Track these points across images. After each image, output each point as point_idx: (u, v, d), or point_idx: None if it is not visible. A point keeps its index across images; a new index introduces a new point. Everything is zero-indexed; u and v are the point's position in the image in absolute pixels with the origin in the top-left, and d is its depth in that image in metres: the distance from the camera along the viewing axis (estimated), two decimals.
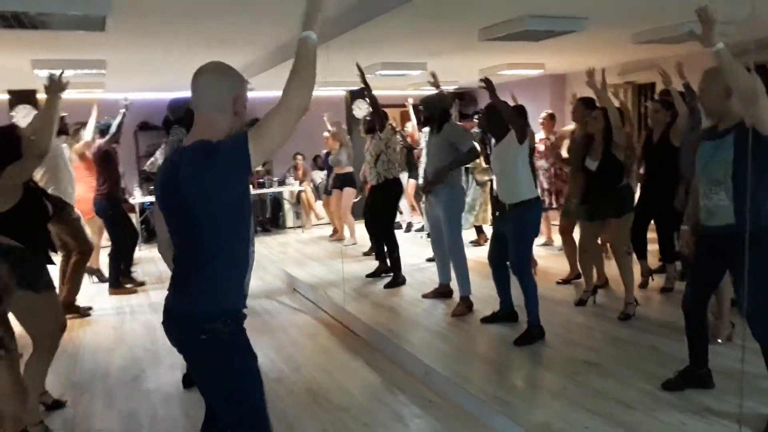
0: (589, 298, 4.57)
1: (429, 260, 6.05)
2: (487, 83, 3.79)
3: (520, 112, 4.24)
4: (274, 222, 9.32)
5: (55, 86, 3.19)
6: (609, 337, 3.86)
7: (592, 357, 3.55)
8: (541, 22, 4.39)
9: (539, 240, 6.50)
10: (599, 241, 4.60)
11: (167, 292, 1.90)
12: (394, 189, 5.68)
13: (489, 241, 4.35)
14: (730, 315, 3.65)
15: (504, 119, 3.84)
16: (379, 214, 5.63)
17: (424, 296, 5.00)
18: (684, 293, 2.99)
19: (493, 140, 4.47)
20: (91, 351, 4.23)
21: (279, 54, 5.80)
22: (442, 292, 4.97)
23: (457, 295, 4.66)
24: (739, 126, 2.56)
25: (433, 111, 4.66)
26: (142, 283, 6.06)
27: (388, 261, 5.63)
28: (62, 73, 3.24)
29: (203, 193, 1.74)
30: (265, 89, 7.67)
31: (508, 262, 3.99)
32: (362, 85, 5.50)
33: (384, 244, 5.67)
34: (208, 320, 1.80)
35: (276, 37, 5.32)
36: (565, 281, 5.24)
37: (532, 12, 4.29)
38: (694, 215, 2.87)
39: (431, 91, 5.01)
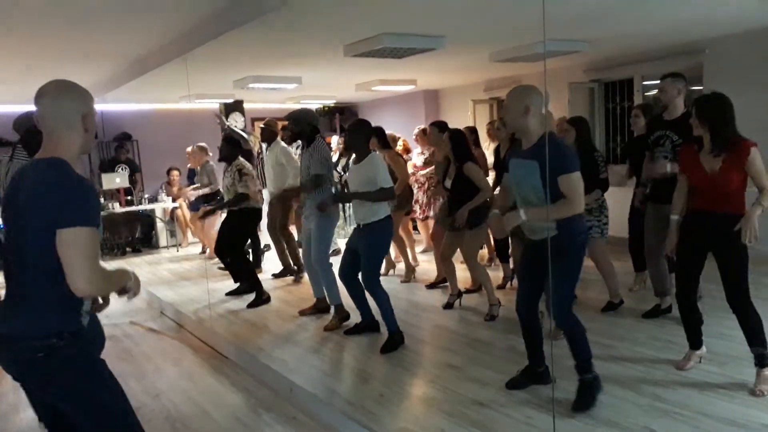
0: (455, 301, 4.78)
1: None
2: None
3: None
4: (146, 242, 8.83)
5: None
6: (470, 340, 4.04)
7: (454, 359, 3.69)
8: (400, 40, 4.56)
9: (419, 247, 6.71)
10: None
11: None
12: (252, 218, 5.51)
13: (341, 256, 4.22)
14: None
15: (367, 139, 3.94)
16: (232, 239, 5.40)
17: (301, 313, 4.94)
18: (516, 299, 3.15)
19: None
20: None
21: (137, 67, 5.53)
22: (319, 308, 4.93)
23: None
24: (542, 149, 2.64)
25: (304, 127, 4.63)
26: None
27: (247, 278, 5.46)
28: None
29: (37, 211, 1.70)
30: (125, 102, 7.30)
31: (359, 275, 4.00)
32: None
33: (237, 266, 5.48)
34: (41, 338, 1.74)
35: (131, 50, 5.07)
36: (433, 285, 5.43)
37: (389, 30, 4.44)
38: (504, 208, 3.11)
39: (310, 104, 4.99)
